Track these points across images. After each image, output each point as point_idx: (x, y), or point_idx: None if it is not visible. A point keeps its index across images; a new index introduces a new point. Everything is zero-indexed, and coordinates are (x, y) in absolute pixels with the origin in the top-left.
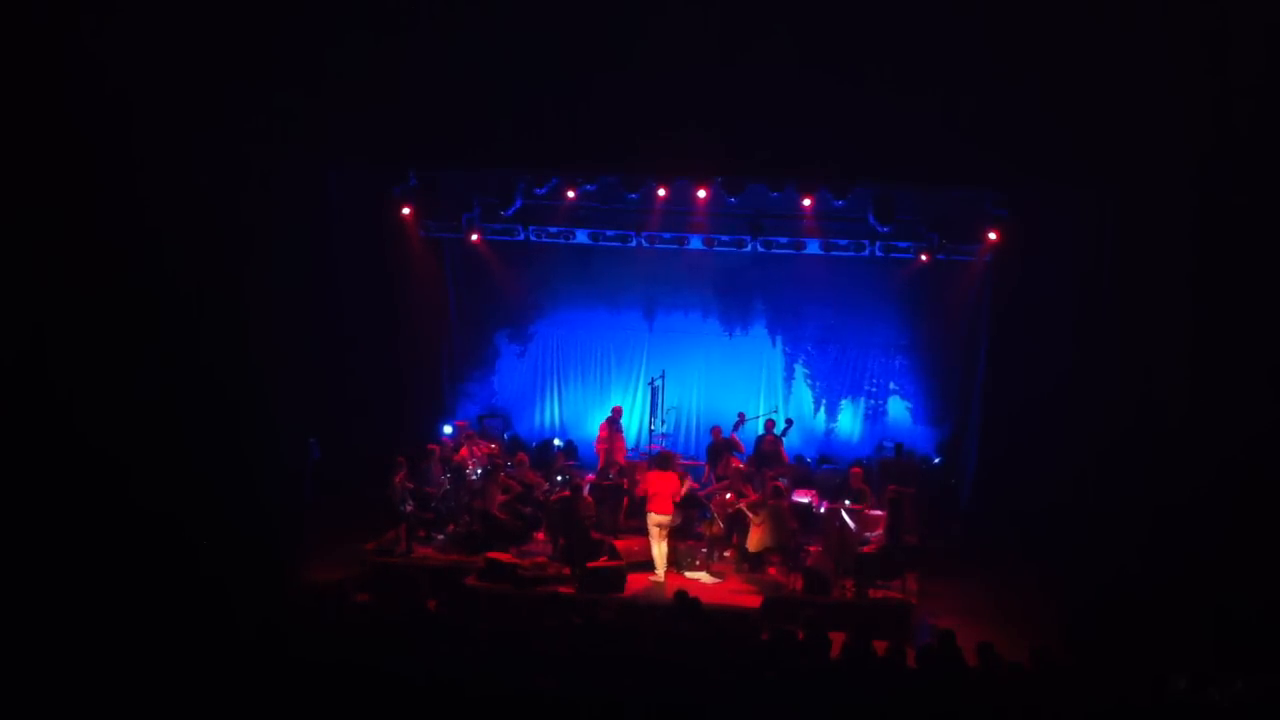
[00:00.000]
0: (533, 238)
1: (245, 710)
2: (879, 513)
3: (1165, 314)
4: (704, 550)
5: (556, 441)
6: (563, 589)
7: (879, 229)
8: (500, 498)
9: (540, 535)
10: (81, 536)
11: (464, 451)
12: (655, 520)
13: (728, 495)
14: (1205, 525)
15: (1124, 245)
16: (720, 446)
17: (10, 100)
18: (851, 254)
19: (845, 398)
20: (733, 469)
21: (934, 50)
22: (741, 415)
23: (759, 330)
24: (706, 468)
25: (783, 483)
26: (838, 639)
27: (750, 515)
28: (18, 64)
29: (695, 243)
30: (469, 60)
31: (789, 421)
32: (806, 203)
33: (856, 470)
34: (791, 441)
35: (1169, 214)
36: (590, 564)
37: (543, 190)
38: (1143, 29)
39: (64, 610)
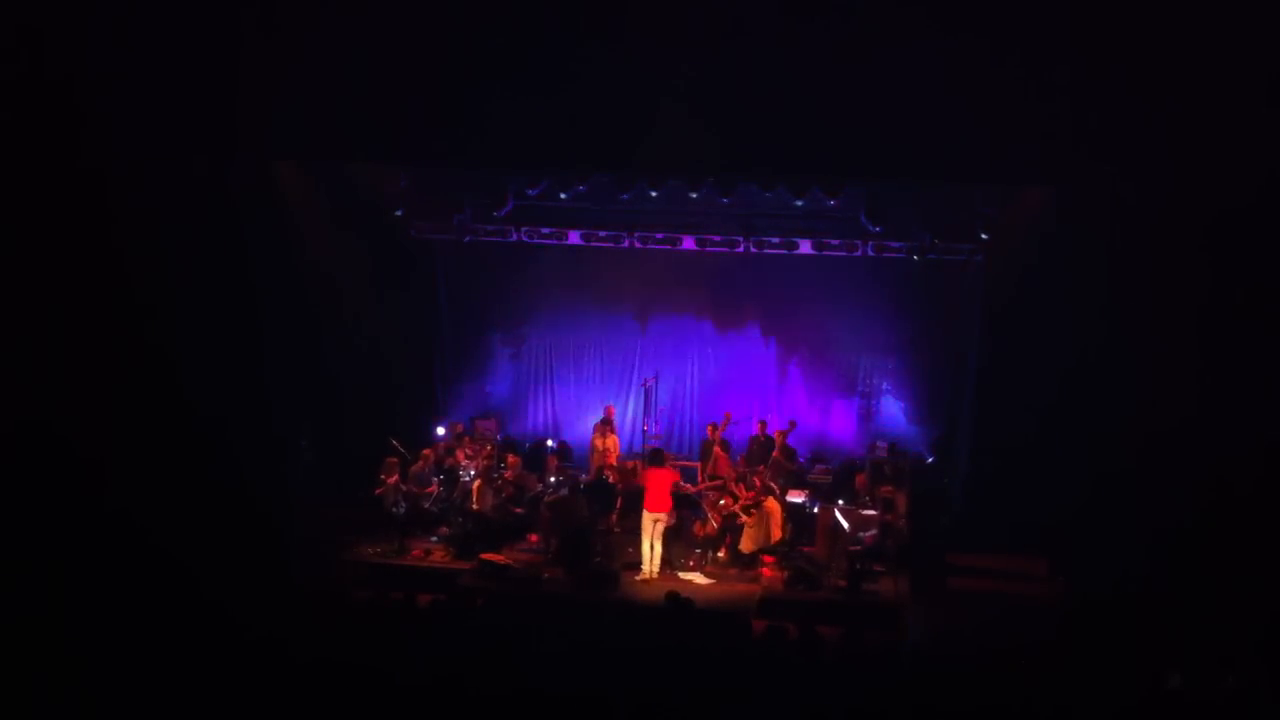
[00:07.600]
0: (525, 239)
1: (244, 711)
2: (872, 512)
3: (1162, 313)
4: (697, 551)
5: (550, 442)
6: (557, 589)
7: (871, 229)
8: (493, 499)
9: (534, 536)
10: (75, 542)
11: (458, 453)
12: (650, 517)
13: (721, 500)
14: (1200, 523)
15: (1120, 244)
16: (709, 445)
17: None
18: (844, 254)
19: (838, 397)
20: (724, 469)
21: (930, 47)
22: (728, 415)
23: (752, 330)
24: (699, 465)
25: (775, 483)
26: (831, 637)
27: (743, 516)
28: None
29: (688, 243)
30: (463, 57)
31: (792, 423)
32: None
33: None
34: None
35: (1167, 213)
36: (584, 564)
37: (535, 191)
38: (1139, 27)
39: (63, 614)
